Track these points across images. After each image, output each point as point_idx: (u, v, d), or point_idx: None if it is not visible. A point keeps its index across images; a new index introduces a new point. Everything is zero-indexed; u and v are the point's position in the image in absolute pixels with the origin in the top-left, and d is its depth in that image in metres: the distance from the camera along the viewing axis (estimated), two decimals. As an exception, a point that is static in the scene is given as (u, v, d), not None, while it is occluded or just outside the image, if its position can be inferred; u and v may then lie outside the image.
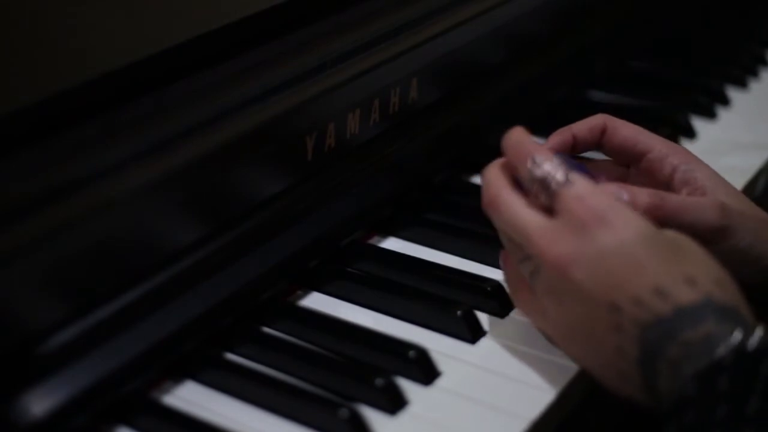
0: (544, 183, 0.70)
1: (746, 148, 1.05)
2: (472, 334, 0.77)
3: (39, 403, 0.65)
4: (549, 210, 0.70)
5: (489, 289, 0.81)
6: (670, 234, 0.69)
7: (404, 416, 0.71)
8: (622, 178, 0.84)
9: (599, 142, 0.83)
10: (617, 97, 1.17)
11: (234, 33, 0.79)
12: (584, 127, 0.82)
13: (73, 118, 0.67)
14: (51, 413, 0.65)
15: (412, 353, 0.74)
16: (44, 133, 0.66)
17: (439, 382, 0.74)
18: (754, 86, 1.21)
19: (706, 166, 0.81)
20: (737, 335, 0.63)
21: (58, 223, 0.65)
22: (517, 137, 0.74)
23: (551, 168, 0.70)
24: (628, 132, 0.82)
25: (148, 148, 0.70)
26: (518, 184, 0.73)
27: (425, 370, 0.74)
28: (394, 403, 0.71)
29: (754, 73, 1.23)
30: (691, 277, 0.66)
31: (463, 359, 0.75)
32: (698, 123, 1.11)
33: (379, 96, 0.89)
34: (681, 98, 1.14)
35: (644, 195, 0.75)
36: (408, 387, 0.73)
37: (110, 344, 0.69)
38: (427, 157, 0.96)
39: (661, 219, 0.73)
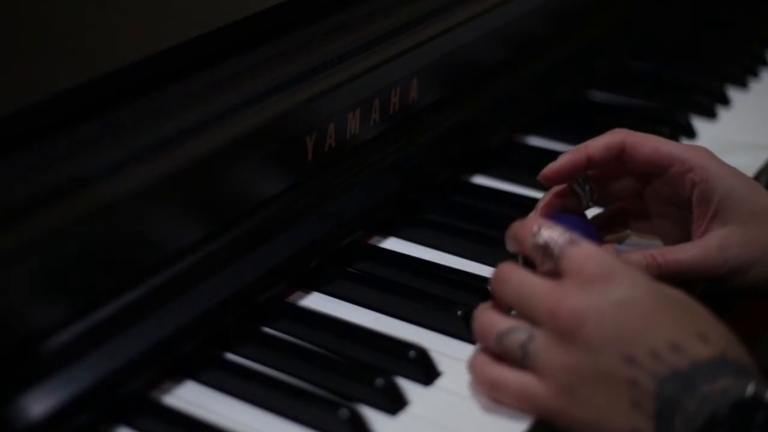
0: (547, 249, 0.69)
1: (746, 148, 1.05)
2: (473, 333, 0.77)
3: (39, 403, 0.65)
4: (555, 276, 0.69)
5: (489, 289, 0.80)
6: (677, 294, 0.68)
7: (404, 416, 0.71)
8: (636, 189, 0.83)
9: (618, 159, 0.81)
10: (617, 97, 1.17)
11: (234, 33, 0.79)
12: (600, 145, 0.80)
13: (73, 117, 0.67)
14: (51, 413, 0.65)
15: (412, 353, 0.74)
16: (44, 133, 0.66)
17: (439, 382, 0.74)
18: (754, 86, 1.21)
19: (728, 179, 0.79)
20: (750, 389, 0.62)
21: (58, 223, 0.65)
22: (522, 220, 0.73)
23: (553, 233, 0.69)
24: (648, 148, 0.80)
25: (148, 148, 0.70)
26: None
27: (425, 370, 0.74)
28: (395, 403, 0.71)
29: (754, 73, 1.23)
30: (703, 333, 0.65)
31: (463, 359, 0.75)
32: (698, 123, 1.10)
33: (379, 96, 0.89)
34: (681, 98, 1.14)
35: (639, 256, 0.78)
36: (408, 387, 0.73)
37: (110, 344, 0.69)
38: (427, 157, 0.96)
39: (661, 275, 0.75)
